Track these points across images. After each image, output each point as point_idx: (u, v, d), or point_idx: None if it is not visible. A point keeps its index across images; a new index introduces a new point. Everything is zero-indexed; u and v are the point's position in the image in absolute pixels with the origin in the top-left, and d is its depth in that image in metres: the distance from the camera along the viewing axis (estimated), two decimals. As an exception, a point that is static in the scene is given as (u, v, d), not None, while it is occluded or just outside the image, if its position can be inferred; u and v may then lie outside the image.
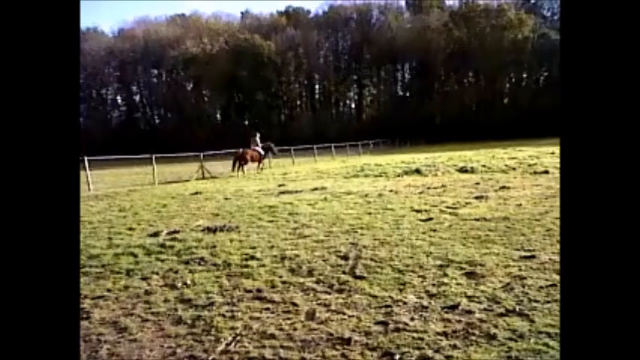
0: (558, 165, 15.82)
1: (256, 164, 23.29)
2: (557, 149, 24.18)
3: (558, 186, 11.32)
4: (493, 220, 7.54)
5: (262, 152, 23.67)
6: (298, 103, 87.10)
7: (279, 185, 15.30)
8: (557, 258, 5.34)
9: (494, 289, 4.56)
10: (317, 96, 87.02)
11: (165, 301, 4.72)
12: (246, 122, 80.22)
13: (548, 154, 20.74)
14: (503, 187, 11.48)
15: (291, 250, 6.34)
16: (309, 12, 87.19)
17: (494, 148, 31.47)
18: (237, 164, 21.72)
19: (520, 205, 8.92)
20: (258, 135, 24.44)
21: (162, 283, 5.30)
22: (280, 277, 5.25)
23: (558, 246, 5.87)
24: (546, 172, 14.54)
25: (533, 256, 5.49)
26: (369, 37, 79.09)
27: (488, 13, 69.64)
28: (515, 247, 5.97)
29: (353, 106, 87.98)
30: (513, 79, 76.23)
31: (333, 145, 39.41)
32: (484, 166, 16.99)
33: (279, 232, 7.61)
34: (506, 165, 16.98)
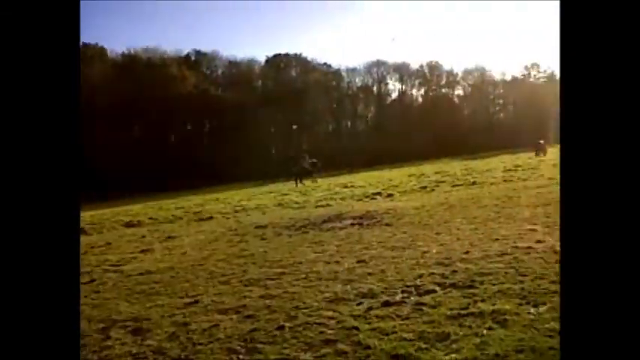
0: (222, 210, 16.91)
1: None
2: (221, 195, 25.84)
3: (221, 230, 12.10)
4: (158, 272, 7.50)
5: (310, 169, 29.40)
6: None
7: None
8: (217, 299, 5.64)
9: (160, 340, 4.53)
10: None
11: None
12: None
13: (212, 201, 21.94)
14: (169, 237, 11.60)
15: None
16: None
17: (161, 200, 31.62)
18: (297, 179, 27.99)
19: (185, 253, 9.14)
20: (307, 156, 30.97)
21: None
22: None
23: (220, 287, 6.20)
24: (210, 218, 15.33)
25: (196, 301, 5.65)
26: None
27: (152, 67, 70.91)
28: (179, 295, 6.05)
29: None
30: (178, 132, 78.81)
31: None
32: (151, 218, 16.90)
33: None
34: (173, 215, 17.24)
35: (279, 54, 73.00)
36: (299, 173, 28.83)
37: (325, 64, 72.62)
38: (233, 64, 72.95)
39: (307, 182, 27.71)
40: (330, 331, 4.32)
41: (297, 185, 26.71)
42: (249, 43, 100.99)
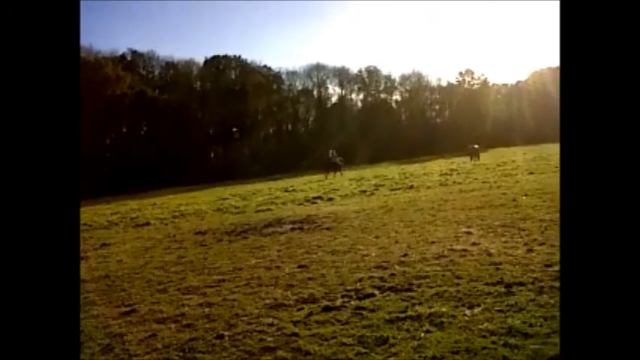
0: (159, 216, 16.48)
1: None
2: (158, 200, 25.16)
3: (159, 236, 11.78)
4: (92, 281, 7.23)
5: (340, 162, 32.10)
6: None
7: None
8: (156, 307, 5.49)
9: (93, 353, 4.37)
10: None
11: None
12: None
13: (149, 206, 21.32)
14: (104, 245, 11.18)
15: None
16: None
17: (95, 205, 30.48)
18: (329, 171, 30.61)
19: (121, 260, 8.85)
20: (334, 152, 32.94)
21: None
22: None
23: (158, 295, 6.04)
24: (147, 223, 14.89)
25: (133, 311, 5.49)
26: None
27: (85, 66, 68.22)
28: (115, 304, 5.85)
29: None
30: (113, 135, 76.21)
31: None
32: (85, 224, 16.21)
33: None
34: (108, 221, 16.62)
35: (218, 55, 71.96)
36: (329, 167, 31.72)
37: (265, 66, 72.22)
38: (170, 64, 71.28)
39: (330, 175, 29.95)
40: (270, 339, 4.30)
41: (326, 178, 29.04)
42: (187, 44, 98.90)
